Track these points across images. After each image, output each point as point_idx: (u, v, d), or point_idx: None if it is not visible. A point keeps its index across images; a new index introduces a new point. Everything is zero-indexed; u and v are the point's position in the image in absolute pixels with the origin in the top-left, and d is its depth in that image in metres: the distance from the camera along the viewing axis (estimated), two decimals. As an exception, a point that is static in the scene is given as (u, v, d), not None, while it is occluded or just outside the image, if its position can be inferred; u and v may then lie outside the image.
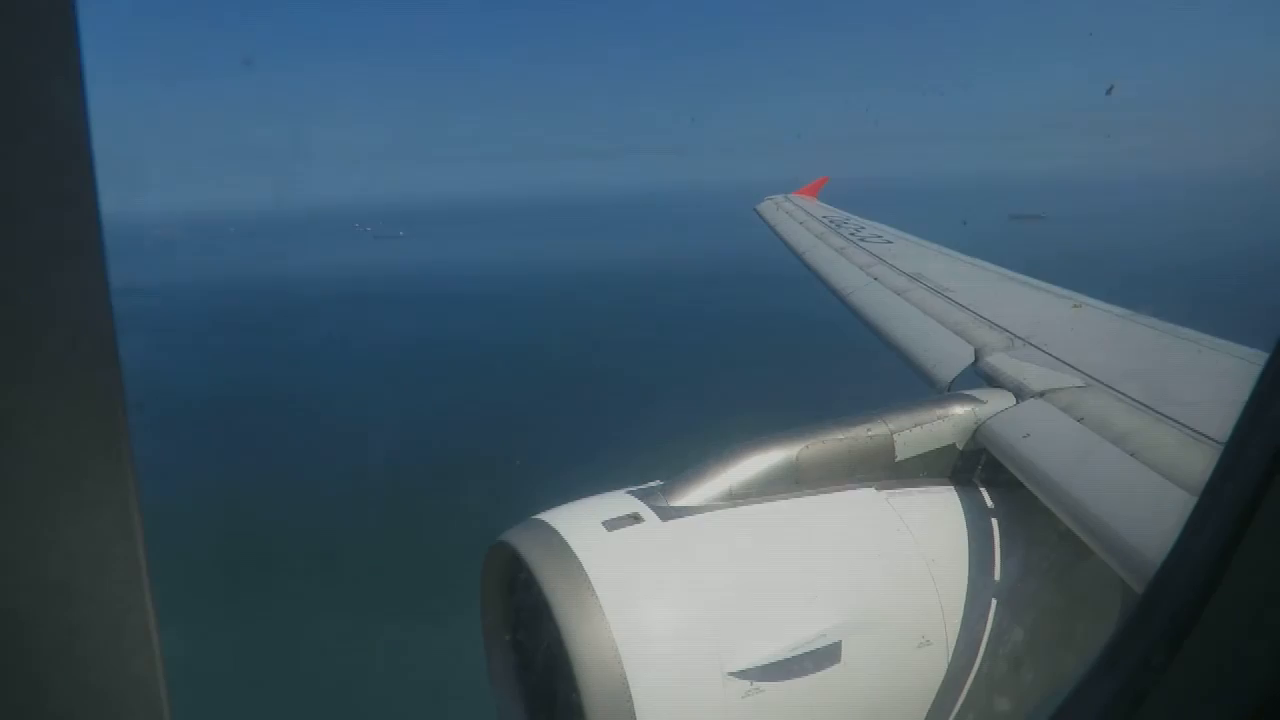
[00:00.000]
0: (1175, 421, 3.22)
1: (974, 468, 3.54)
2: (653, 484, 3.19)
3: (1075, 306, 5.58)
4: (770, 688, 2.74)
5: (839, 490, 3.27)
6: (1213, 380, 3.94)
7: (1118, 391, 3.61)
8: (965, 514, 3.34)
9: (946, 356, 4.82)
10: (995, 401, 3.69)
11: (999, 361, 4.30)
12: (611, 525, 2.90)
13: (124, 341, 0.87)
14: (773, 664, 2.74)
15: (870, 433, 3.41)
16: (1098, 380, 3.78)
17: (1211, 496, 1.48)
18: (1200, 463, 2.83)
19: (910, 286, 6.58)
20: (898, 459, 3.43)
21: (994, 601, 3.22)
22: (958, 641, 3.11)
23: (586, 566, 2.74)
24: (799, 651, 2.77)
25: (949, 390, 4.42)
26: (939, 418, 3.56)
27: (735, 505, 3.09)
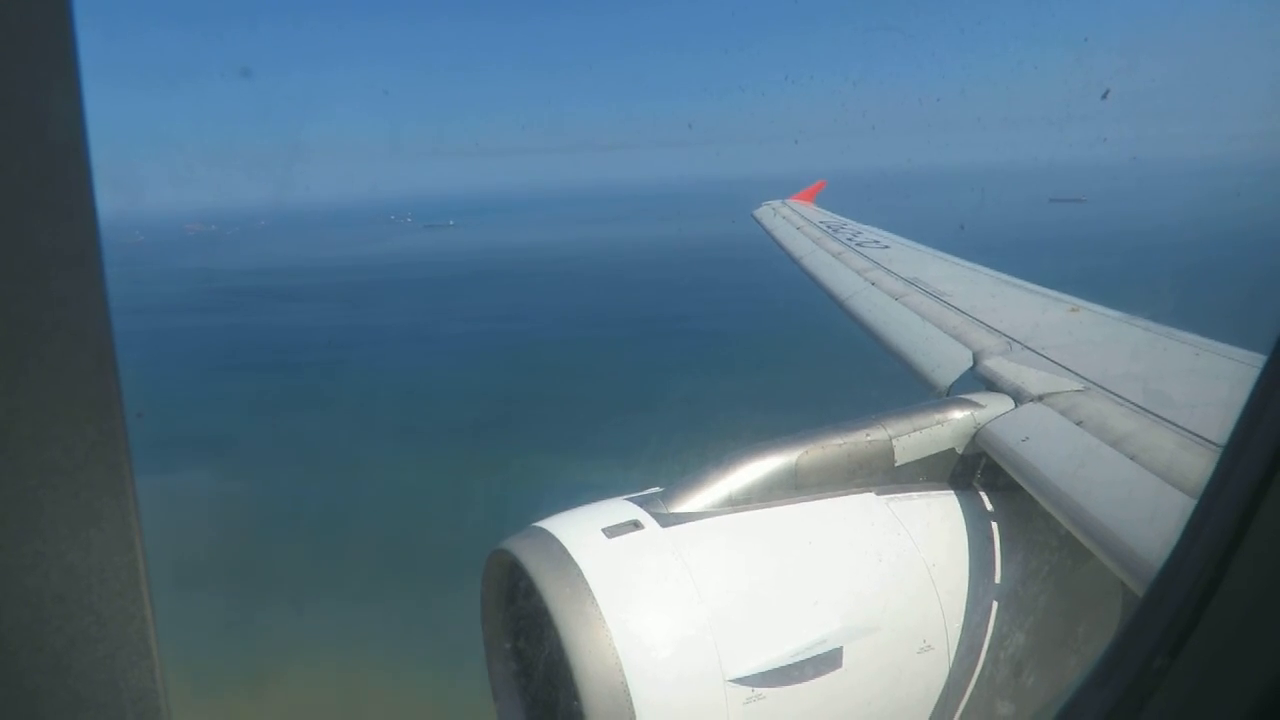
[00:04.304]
0: (1174, 424, 3.22)
1: (973, 472, 3.54)
2: (652, 490, 3.19)
3: (1073, 310, 5.59)
4: (772, 694, 2.74)
5: (838, 495, 3.27)
6: (1211, 383, 3.95)
7: (1116, 395, 3.61)
8: (965, 518, 3.34)
9: (945, 360, 4.82)
10: (994, 405, 3.69)
11: (997, 365, 4.30)
12: (611, 532, 2.89)
13: (123, 354, 0.87)
14: (774, 670, 2.73)
15: (869, 438, 3.41)
16: (1096, 383, 3.78)
17: (1211, 498, 1.48)
18: (1199, 465, 2.83)
19: (907, 291, 6.58)
20: (897, 464, 3.43)
21: (995, 605, 3.21)
22: (959, 646, 3.11)
23: (587, 574, 2.73)
24: (800, 657, 2.76)
25: (947, 394, 4.42)
26: (938, 422, 3.56)
27: (735, 511, 3.09)
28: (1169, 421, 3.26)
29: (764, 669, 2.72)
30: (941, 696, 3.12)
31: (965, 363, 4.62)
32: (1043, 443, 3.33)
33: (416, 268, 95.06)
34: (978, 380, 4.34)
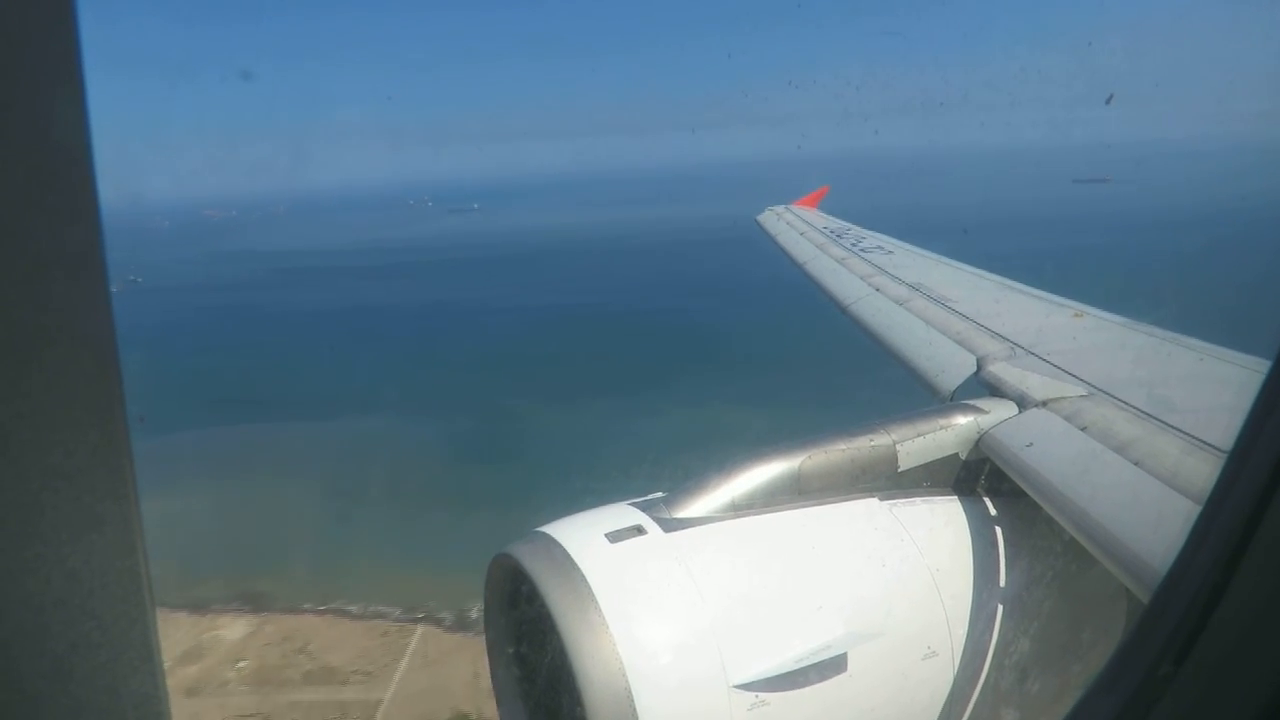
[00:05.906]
0: (1178, 430, 3.21)
1: (977, 477, 3.53)
2: (655, 495, 3.18)
3: (1077, 315, 5.58)
4: (776, 700, 2.73)
5: (842, 501, 3.26)
6: (1215, 388, 3.93)
7: (1120, 400, 3.60)
8: (969, 524, 3.33)
9: (949, 366, 4.81)
10: (998, 411, 3.68)
11: (1001, 371, 4.29)
12: (614, 537, 2.89)
13: (125, 350, 0.87)
14: (778, 676, 2.72)
15: (873, 443, 3.40)
16: (1100, 389, 3.77)
17: (1216, 504, 1.47)
18: (1204, 471, 2.82)
19: (911, 296, 6.57)
20: (900, 469, 3.42)
21: (999, 611, 3.20)
22: (963, 652, 3.09)
23: (590, 579, 2.72)
24: (804, 663, 2.75)
25: (951, 400, 4.41)
26: (941, 427, 3.54)
27: (738, 516, 3.08)
28: (1174, 427, 3.25)
29: (768, 675, 2.71)
30: (946, 703, 3.10)
31: (969, 368, 4.61)
32: (1047, 448, 3.32)
33: (455, 249, 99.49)
34: (981, 386, 4.33)
